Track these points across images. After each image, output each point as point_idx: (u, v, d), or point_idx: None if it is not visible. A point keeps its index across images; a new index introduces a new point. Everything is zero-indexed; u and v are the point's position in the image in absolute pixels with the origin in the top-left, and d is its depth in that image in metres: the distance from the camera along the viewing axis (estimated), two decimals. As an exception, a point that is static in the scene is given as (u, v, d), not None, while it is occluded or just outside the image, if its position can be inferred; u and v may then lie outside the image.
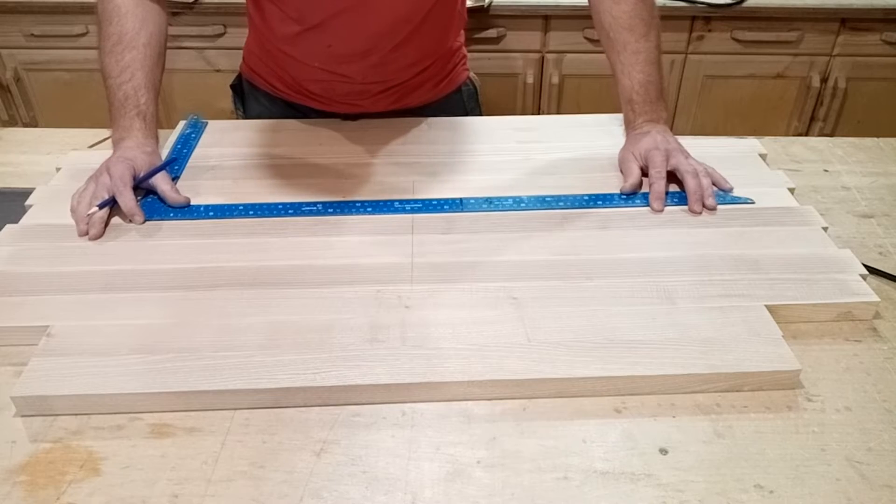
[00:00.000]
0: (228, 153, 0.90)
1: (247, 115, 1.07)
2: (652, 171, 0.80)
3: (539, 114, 1.79)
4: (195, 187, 0.82)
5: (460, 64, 1.05)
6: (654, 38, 0.84)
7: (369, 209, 0.78)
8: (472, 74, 1.09)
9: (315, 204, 0.79)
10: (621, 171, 0.85)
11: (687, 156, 0.82)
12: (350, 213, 0.78)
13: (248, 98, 1.07)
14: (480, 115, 1.09)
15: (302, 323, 0.63)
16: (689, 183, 0.79)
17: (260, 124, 0.97)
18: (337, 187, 0.82)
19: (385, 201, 0.80)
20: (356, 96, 0.96)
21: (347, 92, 0.95)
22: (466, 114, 1.06)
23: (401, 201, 0.80)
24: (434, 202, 0.79)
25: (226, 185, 0.83)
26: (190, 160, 0.88)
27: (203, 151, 0.90)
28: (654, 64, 0.84)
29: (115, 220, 0.77)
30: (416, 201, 0.80)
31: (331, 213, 0.78)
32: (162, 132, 0.98)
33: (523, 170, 0.86)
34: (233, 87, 1.09)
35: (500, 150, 0.91)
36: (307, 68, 0.94)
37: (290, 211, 0.78)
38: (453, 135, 0.95)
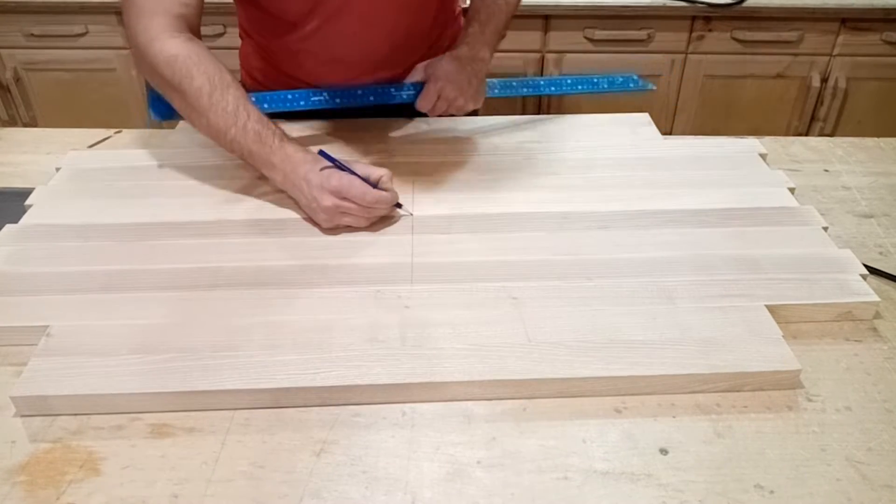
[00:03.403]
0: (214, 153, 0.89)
1: None
2: (439, 103, 0.89)
3: (539, 114, 1.79)
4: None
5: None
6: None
7: (371, 98, 0.90)
8: None
9: (321, 93, 0.90)
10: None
11: (468, 100, 0.89)
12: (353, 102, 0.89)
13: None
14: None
15: (302, 323, 0.63)
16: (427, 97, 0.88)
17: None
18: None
19: (384, 88, 0.91)
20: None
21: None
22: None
23: (397, 87, 0.91)
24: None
25: (221, 184, 0.83)
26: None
27: (202, 151, 0.90)
28: (505, 16, 0.93)
29: (116, 220, 0.77)
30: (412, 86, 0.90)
31: (338, 104, 0.89)
32: (162, 132, 0.98)
33: (523, 170, 0.86)
34: None
35: (500, 150, 0.91)
36: (315, 65, 0.93)
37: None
38: (453, 134, 0.95)
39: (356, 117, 0.97)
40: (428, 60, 0.92)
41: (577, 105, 1.78)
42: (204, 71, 0.74)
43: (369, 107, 0.94)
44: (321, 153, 0.75)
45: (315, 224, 0.75)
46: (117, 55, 1.71)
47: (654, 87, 0.96)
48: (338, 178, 0.72)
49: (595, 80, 1.02)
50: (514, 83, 1.00)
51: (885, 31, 1.67)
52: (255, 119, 0.75)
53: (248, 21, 0.97)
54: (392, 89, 0.92)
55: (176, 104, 0.78)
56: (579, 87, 1.01)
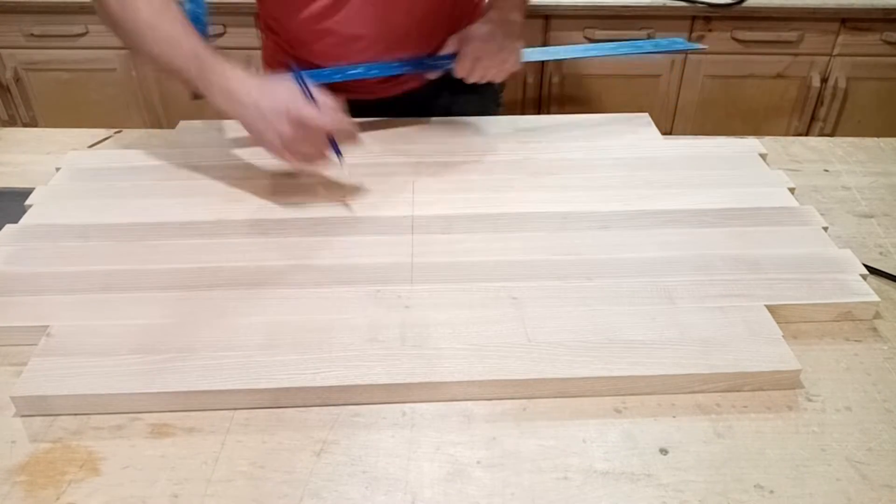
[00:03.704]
0: (214, 153, 0.90)
1: None
2: (477, 67, 0.88)
3: (540, 114, 1.79)
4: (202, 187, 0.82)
5: None
6: None
7: (407, 68, 0.91)
8: None
9: (356, 67, 0.90)
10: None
11: (504, 61, 0.88)
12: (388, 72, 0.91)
13: None
14: (499, 109, 1.10)
15: (302, 323, 0.63)
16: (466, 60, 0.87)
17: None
18: (335, 186, 0.82)
19: (420, 58, 0.91)
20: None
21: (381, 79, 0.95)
22: (494, 103, 1.08)
23: (432, 58, 0.91)
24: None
25: (222, 184, 0.83)
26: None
27: (202, 152, 0.90)
28: None
29: (116, 220, 0.77)
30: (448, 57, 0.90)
31: (375, 74, 0.90)
32: (162, 132, 0.98)
33: (523, 170, 0.86)
34: None
35: (501, 150, 0.91)
36: (336, 44, 0.92)
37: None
38: (453, 135, 0.95)
39: (356, 117, 0.97)
40: (460, 32, 0.91)
41: (577, 105, 1.78)
42: (149, 2, 0.74)
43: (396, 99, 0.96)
44: (296, 74, 0.73)
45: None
46: (117, 55, 1.71)
47: (706, 47, 0.95)
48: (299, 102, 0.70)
49: (639, 44, 1.03)
50: (554, 49, 1.03)
51: (884, 31, 1.67)
52: (197, 42, 0.74)
53: (267, 8, 0.96)
54: (427, 59, 0.92)
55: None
56: (622, 50, 1.00)
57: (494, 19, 0.90)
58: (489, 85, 1.00)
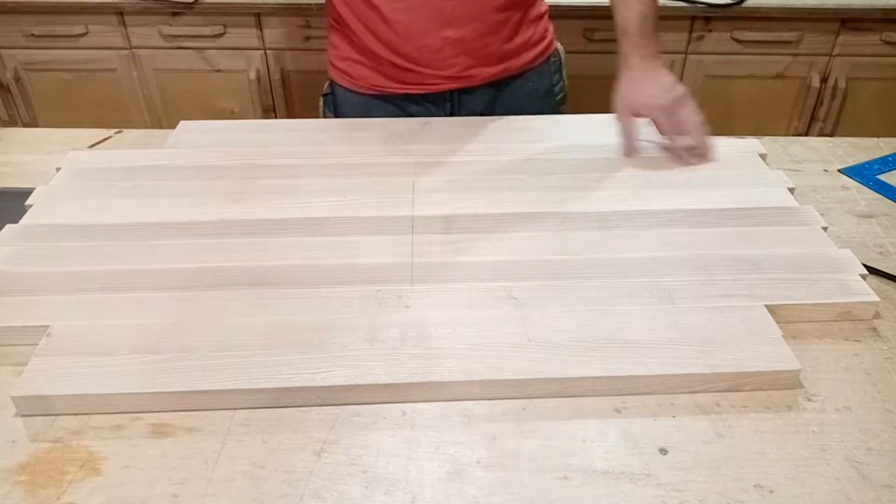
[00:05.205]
0: (214, 153, 0.90)
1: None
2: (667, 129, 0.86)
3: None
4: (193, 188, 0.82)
5: (548, 29, 1.08)
6: None
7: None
8: (558, 44, 1.11)
9: None
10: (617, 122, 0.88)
11: (690, 101, 0.85)
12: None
13: (343, 104, 1.06)
14: (564, 86, 1.12)
15: (302, 323, 0.63)
16: (696, 136, 0.83)
17: (258, 125, 0.98)
18: (335, 186, 0.82)
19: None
20: (460, 58, 0.96)
21: (450, 54, 0.95)
22: (553, 85, 1.10)
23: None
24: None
25: (222, 184, 0.83)
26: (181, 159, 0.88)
27: (202, 152, 0.90)
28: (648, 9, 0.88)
29: (116, 220, 0.77)
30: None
31: None
32: (163, 132, 0.98)
33: (523, 170, 0.86)
34: (324, 95, 1.09)
35: (501, 150, 0.91)
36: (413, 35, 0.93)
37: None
38: (453, 135, 0.95)
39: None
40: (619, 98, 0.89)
41: (577, 106, 1.78)
42: None
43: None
44: None
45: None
46: (118, 55, 1.71)
47: None
48: None
49: None
50: None
51: (884, 32, 1.67)
52: None
53: None
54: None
55: None
56: None
57: (635, 66, 0.86)
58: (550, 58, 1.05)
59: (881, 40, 1.68)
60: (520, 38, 1.01)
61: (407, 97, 1.01)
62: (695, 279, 0.68)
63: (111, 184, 0.83)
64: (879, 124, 1.78)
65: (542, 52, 1.06)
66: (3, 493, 0.51)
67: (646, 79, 0.87)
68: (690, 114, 0.86)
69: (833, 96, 1.75)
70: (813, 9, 1.63)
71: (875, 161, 0.92)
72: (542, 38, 1.06)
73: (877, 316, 0.67)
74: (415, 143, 0.92)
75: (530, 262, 0.70)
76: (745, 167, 0.87)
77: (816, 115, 1.79)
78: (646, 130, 0.96)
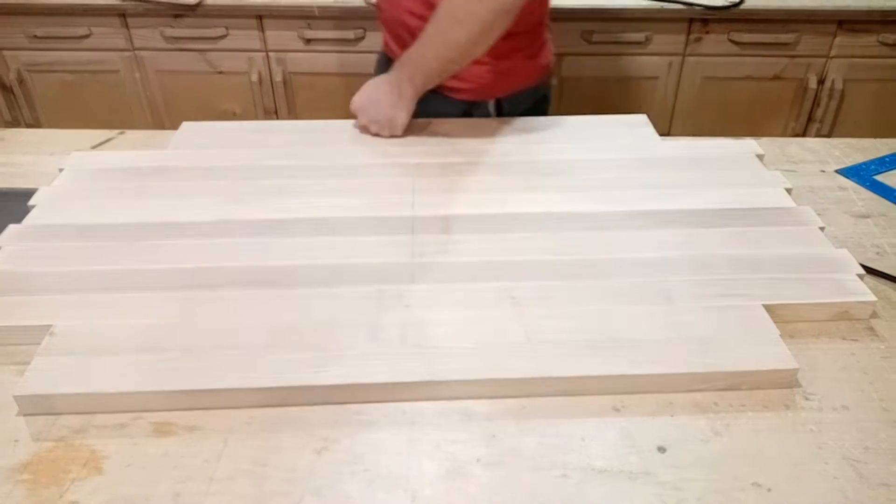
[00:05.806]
0: (216, 154, 0.90)
1: None
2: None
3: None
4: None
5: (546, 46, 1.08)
6: (446, 30, 0.87)
7: None
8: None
9: None
10: None
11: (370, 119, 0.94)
12: None
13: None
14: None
15: (303, 322, 0.63)
16: None
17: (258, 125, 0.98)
18: (336, 187, 0.83)
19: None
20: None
21: None
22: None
23: None
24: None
25: (224, 185, 0.84)
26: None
27: (204, 153, 0.90)
28: (425, 44, 0.90)
29: (119, 220, 0.77)
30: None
31: None
32: (165, 133, 0.99)
33: (523, 170, 0.87)
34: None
35: (501, 151, 0.91)
36: None
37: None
38: (453, 134, 0.95)
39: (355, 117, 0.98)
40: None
41: (577, 106, 1.79)
42: None
43: None
44: None
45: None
46: (120, 57, 1.72)
47: None
48: None
49: None
50: None
51: (881, 33, 1.67)
52: None
53: None
54: None
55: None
56: None
57: (383, 78, 0.95)
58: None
59: (878, 42, 1.69)
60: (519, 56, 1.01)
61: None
62: (693, 279, 0.68)
63: (114, 184, 0.84)
64: (876, 125, 1.78)
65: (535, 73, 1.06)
66: (6, 492, 0.51)
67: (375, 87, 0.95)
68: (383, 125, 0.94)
69: (830, 97, 1.75)
70: (810, 11, 1.63)
71: (872, 162, 0.93)
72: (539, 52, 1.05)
73: (874, 315, 0.67)
74: (415, 144, 0.93)
75: (530, 262, 0.71)
76: (742, 168, 0.87)
77: (813, 116, 1.80)
78: (642, 131, 0.97)
